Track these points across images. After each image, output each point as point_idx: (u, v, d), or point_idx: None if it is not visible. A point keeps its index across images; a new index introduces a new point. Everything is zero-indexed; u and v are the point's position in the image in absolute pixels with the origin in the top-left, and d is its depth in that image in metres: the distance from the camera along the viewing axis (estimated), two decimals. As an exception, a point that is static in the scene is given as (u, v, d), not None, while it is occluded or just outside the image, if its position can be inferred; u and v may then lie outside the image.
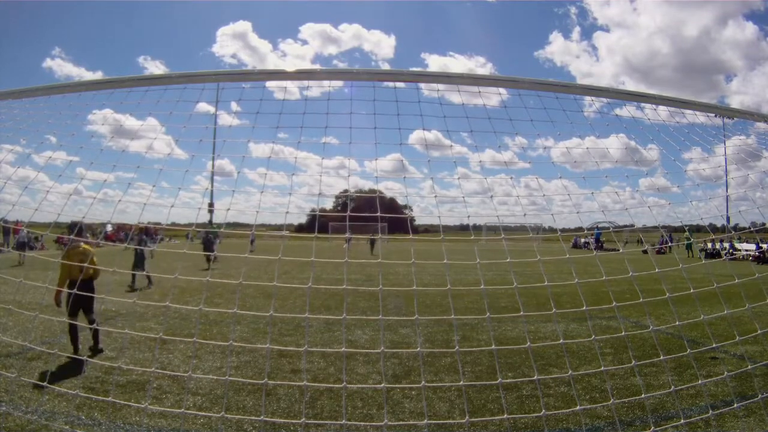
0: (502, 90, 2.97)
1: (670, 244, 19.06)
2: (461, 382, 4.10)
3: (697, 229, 16.57)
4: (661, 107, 3.08)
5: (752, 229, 3.99)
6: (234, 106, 3.41)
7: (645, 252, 11.99)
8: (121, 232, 28.94)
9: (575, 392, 4.28)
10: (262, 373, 4.83)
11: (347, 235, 18.62)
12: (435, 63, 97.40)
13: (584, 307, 2.90)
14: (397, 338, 6.57)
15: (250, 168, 3.32)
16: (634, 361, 2.96)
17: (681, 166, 3.37)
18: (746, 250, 21.85)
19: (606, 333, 6.70)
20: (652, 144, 3.41)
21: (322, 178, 3.21)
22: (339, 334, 6.47)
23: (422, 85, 2.97)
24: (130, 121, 3.16)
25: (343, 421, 3.60)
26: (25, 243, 15.27)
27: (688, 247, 23.89)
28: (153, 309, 7.83)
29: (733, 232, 4.04)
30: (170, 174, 3.23)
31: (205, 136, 3.25)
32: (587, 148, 3.33)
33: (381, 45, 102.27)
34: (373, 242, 22.27)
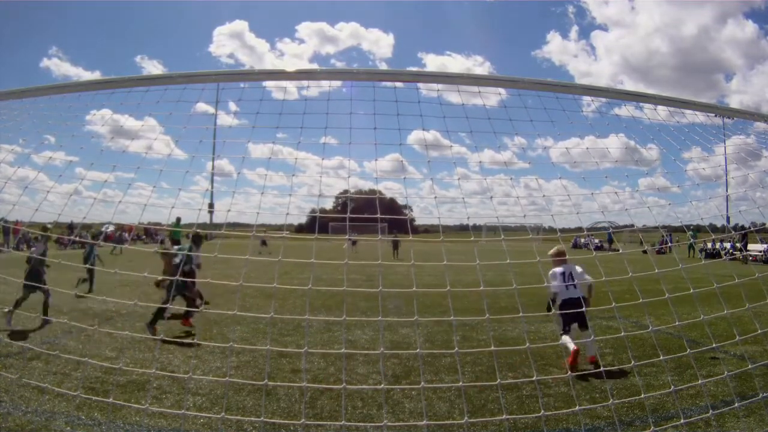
0: (501, 90, 2.97)
1: (670, 244, 19.04)
2: (461, 383, 4.10)
3: (697, 229, 16.56)
4: (660, 107, 3.08)
5: (753, 229, 3.99)
6: (233, 106, 3.42)
7: (645, 252, 11.99)
8: (123, 233, 28.99)
9: (575, 392, 4.27)
10: (262, 373, 4.83)
11: (348, 236, 18.55)
12: (432, 62, 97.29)
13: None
14: (397, 338, 6.57)
15: (250, 168, 3.32)
16: (633, 362, 2.95)
17: (681, 165, 3.38)
18: (746, 251, 21.83)
19: (606, 333, 6.70)
20: (652, 144, 3.41)
21: (321, 178, 3.22)
22: (339, 334, 6.47)
23: (421, 85, 2.97)
24: (129, 122, 3.17)
25: (343, 421, 3.59)
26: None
27: (690, 246, 23.87)
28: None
29: (732, 231, 4.03)
30: (170, 174, 3.24)
31: (205, 137, 3.26)
32: (587, 147, 3.33)
33: (379, 44, 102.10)
34: (396, 244, 21.77)
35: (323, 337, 6.61)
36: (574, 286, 5.26)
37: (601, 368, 4.11)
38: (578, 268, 5.49)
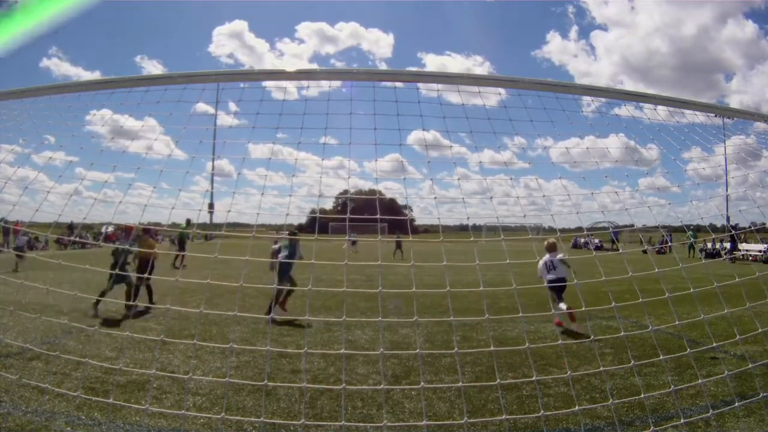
0: (501, 90, 2.97)
1: (670, 243, 19.04)
2: (460, 383, 4.09)
3: (697, 229, 16.58)
4: (660, 107, 3.09)
5: (752, 228, 3.99)
6: (233, 106, 3.42)
7: (645, 252, 12.00)
8: (122, 232, 28.92)
9: (575, 392, 4.27)
10: (262, 373, 4.82)
11: (347, 236, 18.56)
12: (432, 62, 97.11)
13: (584, 308, 2.90)
14: (397, 338, 6.57)
15: (250, 168, 3.33)
16: (633, 362, 2.95)
17: (681, 165, 3.38)
18: (746, 250, 21.85)
19: (606, 333, 6.70)
20: (652, 143, 3.42)
21: (321, 178, 3.22)
22: (339, 334, 6.47)
23: (421, 85, 2.97)
24: (129, 122, 3.17)
25: (343, 421, 3.59)
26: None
27: (690, 246, 23.85)
28: (153, 309, 7.84)
29: (732, 231, 4.03)
30: (170, 175, 3.24)
31: (205, 137, 3.26)
32: (587, 147, 3.33)
33: (379, 44, 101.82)
34: (399, 244, 21.98)
35: (323, 337, 6.61)
36: (554, 268, 7.00)
37: (576, 328, 4.12)
38: (559, 256, 7.09)
